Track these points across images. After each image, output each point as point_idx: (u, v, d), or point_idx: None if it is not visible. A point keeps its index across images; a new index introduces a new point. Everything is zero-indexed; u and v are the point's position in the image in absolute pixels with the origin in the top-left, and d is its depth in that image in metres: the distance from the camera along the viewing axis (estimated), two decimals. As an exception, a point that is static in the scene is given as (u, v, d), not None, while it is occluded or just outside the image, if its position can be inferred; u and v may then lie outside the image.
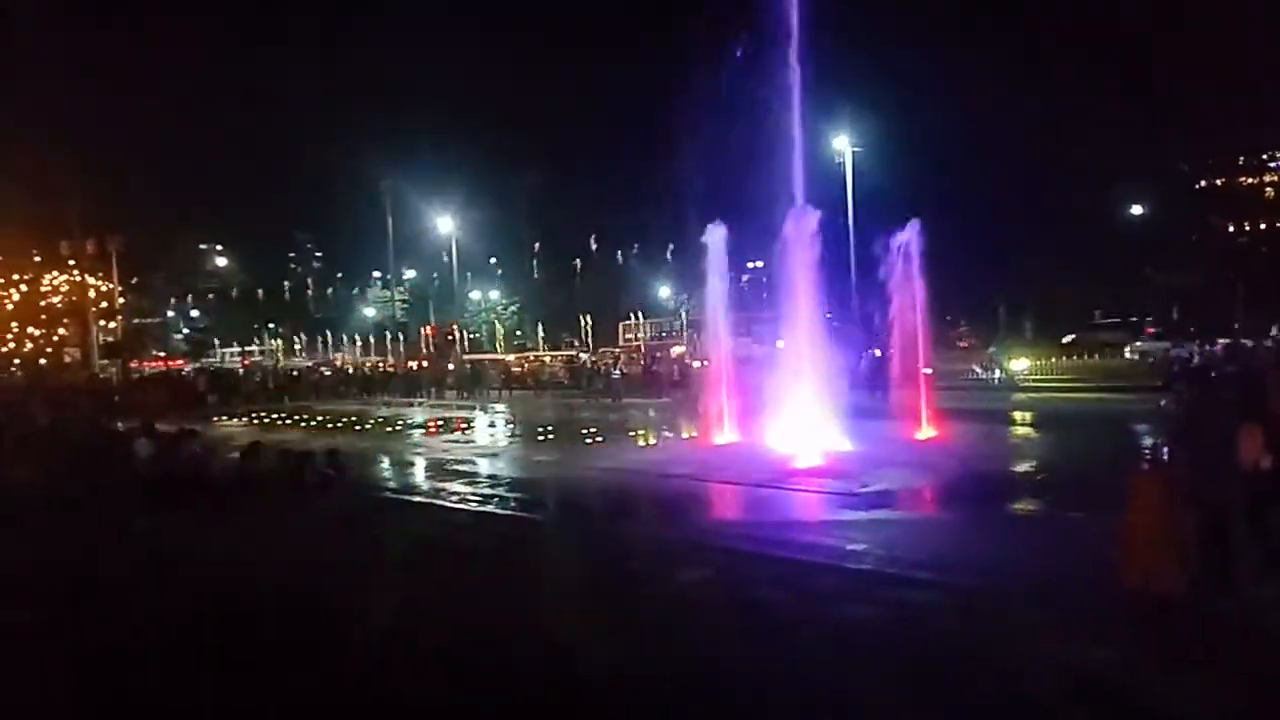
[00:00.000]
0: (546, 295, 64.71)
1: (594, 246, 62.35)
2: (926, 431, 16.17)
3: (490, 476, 14.47)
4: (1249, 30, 49.02)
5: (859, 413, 15.94)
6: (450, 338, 54.83)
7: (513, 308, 68.92)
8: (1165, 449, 7.27)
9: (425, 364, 44.62)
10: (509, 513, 11.48)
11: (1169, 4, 54.20)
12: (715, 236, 16.94)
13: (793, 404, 14.92)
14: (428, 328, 57.51)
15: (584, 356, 44.07)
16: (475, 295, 69.53)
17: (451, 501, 12.27)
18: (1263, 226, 67.48)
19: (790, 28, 15.09)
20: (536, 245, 64.79)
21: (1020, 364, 31.27)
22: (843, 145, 37.18)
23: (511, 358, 49.58)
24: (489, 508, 11.77)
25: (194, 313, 79.49)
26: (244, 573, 7.76)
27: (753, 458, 13.89)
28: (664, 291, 61.62)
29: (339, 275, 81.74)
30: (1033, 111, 55.64)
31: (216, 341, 69.57)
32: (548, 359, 47.11)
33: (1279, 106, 57.19)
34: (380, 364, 50.27)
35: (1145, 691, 4.78)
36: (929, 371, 17.34)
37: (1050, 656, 5.26)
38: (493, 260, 66.74)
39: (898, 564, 7.76)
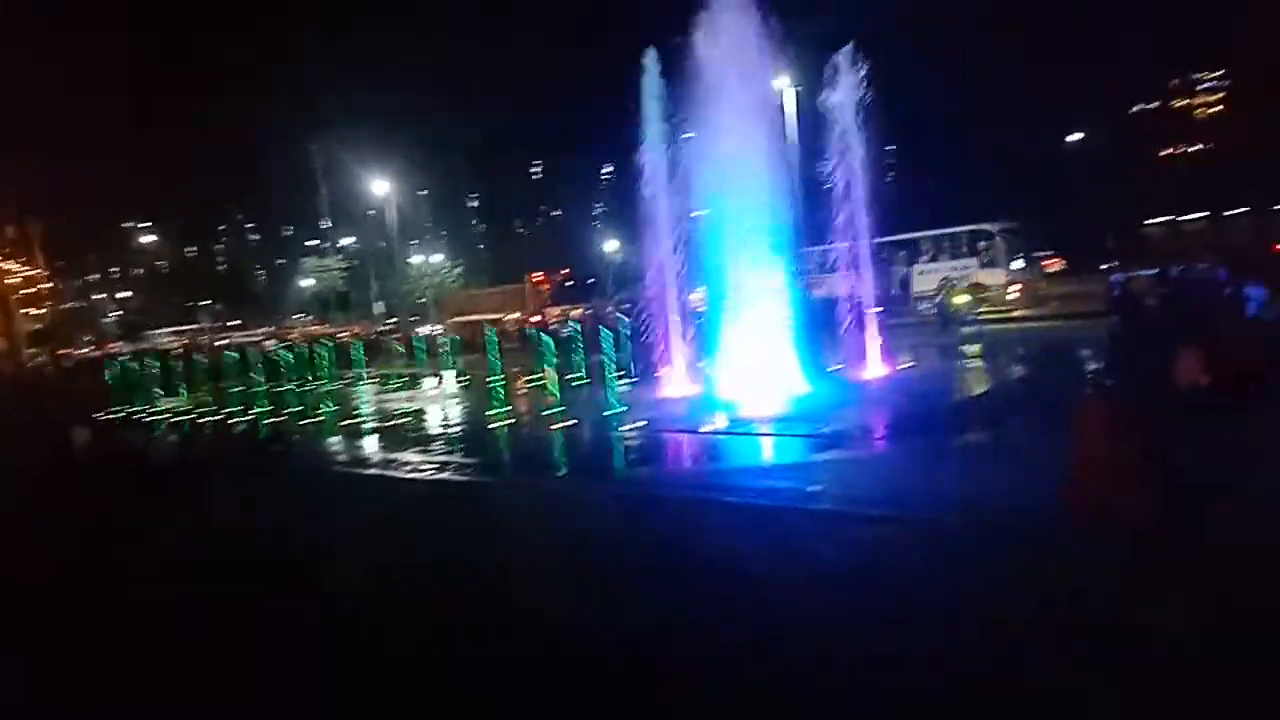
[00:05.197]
0: (491, 255, 63.74)
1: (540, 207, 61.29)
2: (883, 370, 16.36)
3: (438, 436, 14.25)
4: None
5: (814, 355, 15.99)
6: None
7: (457, 270, 67.84)
8: (1107, 375, 7.34)
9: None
10: (457, 478, 11.30)
11: None
12: (658, 181, 16.72)
13: (743, 349, 14.90)
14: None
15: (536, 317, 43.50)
16: (417, 260, 68.23)
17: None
18: (1196, 148, 68.86)
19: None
20: (476, 206, 63.56)
21: (965, 297, 31.71)
22: (781, 84, 36.98)
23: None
24: (445, 474, 11.56)
25: (124, 294, 76.82)
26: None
27: (707, 405, 13.88)
28: (611, 245, 61.16)
29: (274, 245, 79.53)
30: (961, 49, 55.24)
31: (149, 323, 67.50)
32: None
33: (1208, 31, 57.83)
34: (337, 333, 49.22)
35: (1114, 618, 4.81)
36: (879, 309, 17.51)
37: (1019, 587, 5.29)
38: (430, 225, 65.42)
39: (856, 502, 7.80)
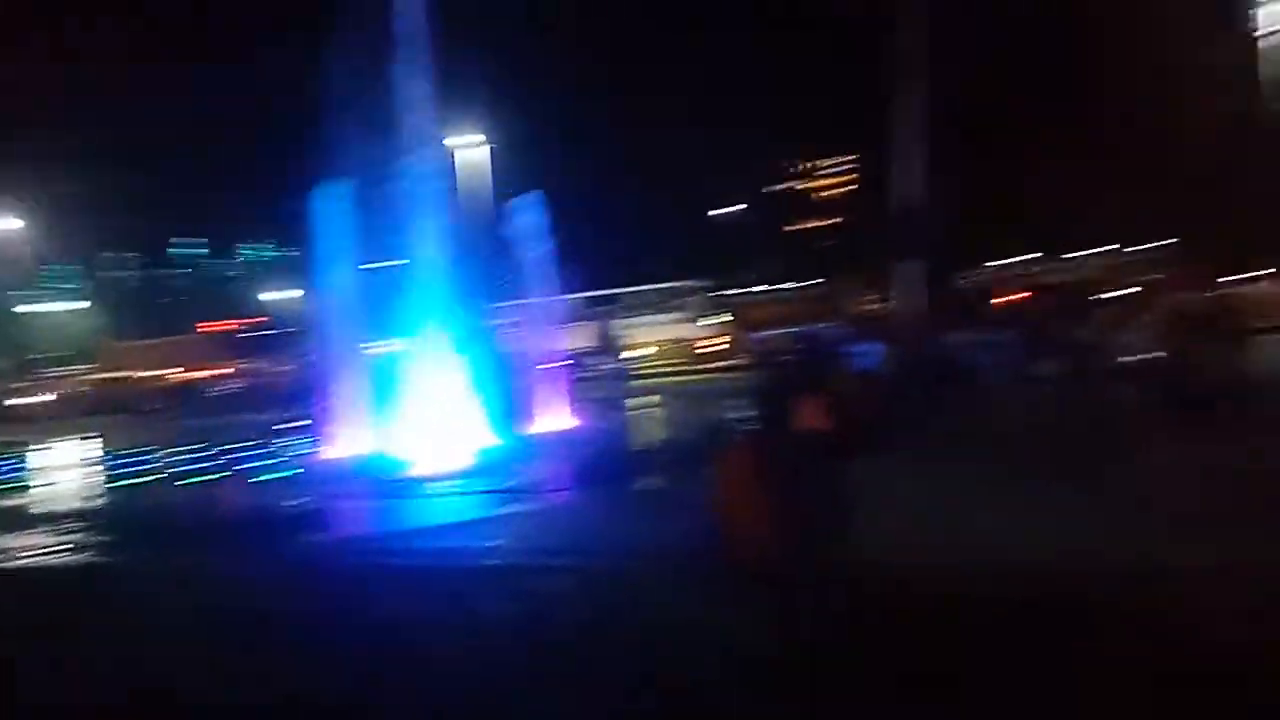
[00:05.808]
0: (135, 300, 56.63)
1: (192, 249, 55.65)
2: (569, 422, 16.65)
3: (56, 513, 12.09)
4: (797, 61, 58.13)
5: (499, 410, 15.93)
6: None
7: (93, 321, 59.14)
8: (750, 423, 8.03)
9: None
10: (78, 560, 9.66)
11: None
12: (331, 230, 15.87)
13: (423, 405, 14.48)
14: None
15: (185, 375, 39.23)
16: (29, 309, 57.93)
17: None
18: (814, 225, 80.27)
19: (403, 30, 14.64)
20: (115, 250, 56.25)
21: (640, 351, 33.88)
22: (453, 142, 37.35)
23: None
24: (58, 559, 9.79)
25: None
26: None
27: (380, 467, 13.25)
28: (272, 294, 56.93)
29: None
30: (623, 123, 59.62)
31: None
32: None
33: (820, 126, 67.74)
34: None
35: (762, 660, 5.14)
36: (569, 362, 18.02)
37: (673, 628, 5.54)
38: (57, 267, 56.62)
39: (533, 554, 7.79)
